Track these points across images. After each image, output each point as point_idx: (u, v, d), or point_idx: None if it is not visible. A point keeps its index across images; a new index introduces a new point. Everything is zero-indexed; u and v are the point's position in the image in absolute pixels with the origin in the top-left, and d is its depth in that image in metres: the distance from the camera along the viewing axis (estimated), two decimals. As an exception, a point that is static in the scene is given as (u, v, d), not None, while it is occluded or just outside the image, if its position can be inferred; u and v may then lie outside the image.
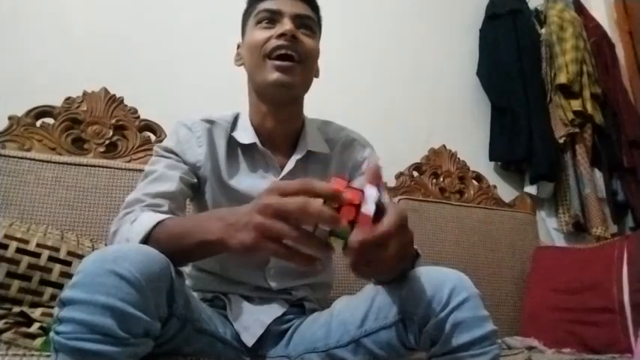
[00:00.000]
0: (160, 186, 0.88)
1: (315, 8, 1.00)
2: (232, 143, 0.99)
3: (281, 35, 0.91)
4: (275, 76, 0.91)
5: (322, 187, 0.56)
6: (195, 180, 0.96)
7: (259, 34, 0.94)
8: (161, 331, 0.65)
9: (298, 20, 0.94)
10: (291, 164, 0.98)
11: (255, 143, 0.98)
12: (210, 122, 0.99)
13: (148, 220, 0.76)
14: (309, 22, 0.97)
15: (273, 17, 0.94)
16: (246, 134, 0.99)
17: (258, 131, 1.00)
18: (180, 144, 0.96)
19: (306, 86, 0.99)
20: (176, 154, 0.96)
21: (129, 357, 0.57)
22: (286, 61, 0.91)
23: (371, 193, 0.57)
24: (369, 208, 0.56)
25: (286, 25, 0.91)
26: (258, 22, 0.95)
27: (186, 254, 0.71)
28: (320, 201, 0.55)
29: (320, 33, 1.02)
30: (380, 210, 0.58)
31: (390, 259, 0.58)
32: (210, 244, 0.66)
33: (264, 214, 0.57)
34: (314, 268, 0.60)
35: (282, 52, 0.91)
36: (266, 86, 0.94)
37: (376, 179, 0.59)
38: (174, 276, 0.68)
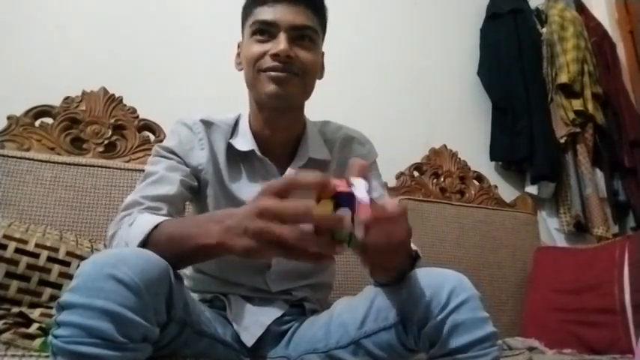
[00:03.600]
0: (160, 189, 0.87)
1: (318, 10, 0.94)
2: (232, 148, 0.97)
3: (275, 55, 0.87)
4: (271, 88, 0.88)
5: (308, 179, 0.55)
6: (196, 183, 0.95)
7: (254, 48, 0.90)
8: (159, 336, 0.64)
9: (295, 32, 0.89)
10: (290, 172, 0.96)
11: (253, 150, 0.96)
12: (210, 124, 0.97)
13: (146, 222, 0.75)
14: (308, 33, 0.91)
15: (268, 30, 0.89)
16: (244, 141, 0.97)
17: (257, 137, 0.97)
18: (182, 145, 0.95)
19: (306, 94, 0.96)
20: (177, 156, 0.94)
21: None
22: (282, 72, 0.88)
23: (361, 183, 0.56)
24: (363, 198, 0.55)
25: (281, 43, 0.87)
26: (253, 33, 0.91)
27: (185, 257, 0.71)
28: (325, 208, 0.54)
29: (324, 34, 0.98)
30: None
31: (400, 244, 0.59)
32: (209, 247, 0.65)
33: (263, 217, 0.56)
34: (323, 263, 0.60)
35: (277, 73, 0.88)
36: (263, 98, 0.91)
37: (361, 171, 0.58)
38: (174, 280, 0.67)
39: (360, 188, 0.56)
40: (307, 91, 0.95)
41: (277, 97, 0.89)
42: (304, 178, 0.56)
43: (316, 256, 0.57)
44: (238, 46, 1.01)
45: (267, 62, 0.88)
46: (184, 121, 0.98)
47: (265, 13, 0.90)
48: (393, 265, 0.69)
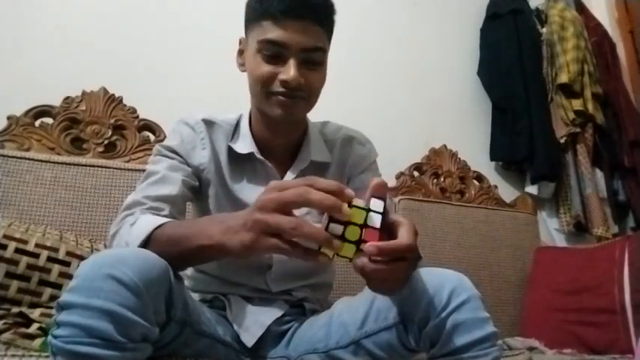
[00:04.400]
0: (162, 189, 0.86)
1: (325, 23, 0.89)
2: (233, 149, 0.97)
3: (284, 81, 0.85)
4: (278, 112, 0.88)
5: (323, 187, 0.56)
6: (197, 183, 0.95)
7: (262, 69, 0.86)
8: (159, 336, 0.64)
9: (304, 55, 0.86)
10: (291, 175, 0.96)
11: (253, 153, 0.95)
12: (212, 124, 0.97)
13: (147, 223, 0.75)
14: (317, 54, 0.87)
15: (277, 51, 0.85)
16: (244, 143, 0.96)
17: (257, 139, 0.97)
18: (184, 144, 0.94)
19: (310, 109, 0.95)
20: (179, 155, 0.94)
21: None
22: (290, 98, 0.87)
23: (375, 204, 0.57)
24: (374, 221, 0.56)
25: (291, 70, 0.84)
26: (261, 50, 0.86)
27: (185, 259, 0.71)
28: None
29: (330, 41, 0.94)
30: (386, 221, 0.58)
31: (403, 273, 0.59)
32: (209, 248, 0.65)
33: (264, 210, 0.58)
34: (317, 261, 0.58)
35: (284, 99, 0.87)
36: (267, 116, 0.91)
37: (380, 191, 0.59)
38: (173, 280, 0.67)
39: (375, 206, 0.57)
40: (311, 106, 0.94)
41: (284, 120, 0.90)
42: (319, 185, 0.57)
43: (311, 252, 0.58)
44: (240, 42, 0.96)
45: (276, 87, 0.86)
46: (186, 120, 0.97)
47: (274, 32, 0.84)
48: (395, 280, 0.63)
